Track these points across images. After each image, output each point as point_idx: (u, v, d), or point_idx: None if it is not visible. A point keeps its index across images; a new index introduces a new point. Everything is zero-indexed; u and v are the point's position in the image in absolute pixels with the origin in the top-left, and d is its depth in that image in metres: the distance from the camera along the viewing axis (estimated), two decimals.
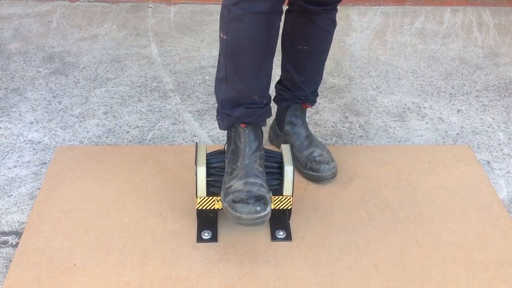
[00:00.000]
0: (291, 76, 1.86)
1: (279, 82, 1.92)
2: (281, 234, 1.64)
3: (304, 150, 1.86)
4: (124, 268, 1.53)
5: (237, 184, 1.52)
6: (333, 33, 1.82)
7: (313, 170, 1.82)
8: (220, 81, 1.61)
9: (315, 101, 1.96)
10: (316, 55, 1.83)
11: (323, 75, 1.96)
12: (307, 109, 1.96)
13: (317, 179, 1.83)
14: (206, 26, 2.88)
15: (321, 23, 1.75)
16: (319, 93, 2.34)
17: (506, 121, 2.23)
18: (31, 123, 2.14)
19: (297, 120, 1.91)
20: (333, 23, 1.79)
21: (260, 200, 1.48)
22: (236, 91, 1.58)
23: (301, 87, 1.87)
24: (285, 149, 1.65)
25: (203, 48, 2.71)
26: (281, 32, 1.77)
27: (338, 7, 1.77)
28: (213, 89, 2.34)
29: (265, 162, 1.62)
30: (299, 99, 1.90)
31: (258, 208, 1.46)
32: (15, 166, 1.91)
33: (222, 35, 1.54)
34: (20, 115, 2.19)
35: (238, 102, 1.59)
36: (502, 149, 2.06)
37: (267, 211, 1.47)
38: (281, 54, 1.88)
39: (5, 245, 1.61)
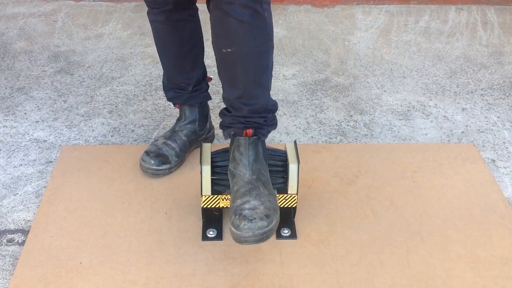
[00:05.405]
0: (226, 92, 1.55)
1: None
2: (286, 232, 1.64)
3: (238, 199, 1.49)
4: (129, 267, 1.54)
5: (160, 139, 1.89)
6: (260, 28, 1.43)
7: (233, 225, 1.44)
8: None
9: (265, 131, 1.57)
10: (246, 58, 1.46)
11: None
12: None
13: (234, 239, 1.45)
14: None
15: (236, 13, 1.39)
16: (324, 91, 2.35)
17: (511, 119, 2.22)
18: (37, 122, 2.15)
19: (242, 159, 1.54)
20: (256, 14, 1.40)
21: (159, 156, 1.83)
22: (167, 78, 1.87)
23: (238, 105, 1.53)
24: (290, 147, 1.65)
25: (207, 47, 2.68)
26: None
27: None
28: (217, 88, 2.36)
29: (270, 160, 1.62)
30: (240, 123, 1.54)
31: (152, 162, 1.83)
32: (21, 165, 1.92)
33: None
34: (25, 114, 2.20)
35: (169, 87, 1.88)
36: (507, 148, 2.06)
37: (161, 167, 1.83)
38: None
39: (11, 243, 1.62)
